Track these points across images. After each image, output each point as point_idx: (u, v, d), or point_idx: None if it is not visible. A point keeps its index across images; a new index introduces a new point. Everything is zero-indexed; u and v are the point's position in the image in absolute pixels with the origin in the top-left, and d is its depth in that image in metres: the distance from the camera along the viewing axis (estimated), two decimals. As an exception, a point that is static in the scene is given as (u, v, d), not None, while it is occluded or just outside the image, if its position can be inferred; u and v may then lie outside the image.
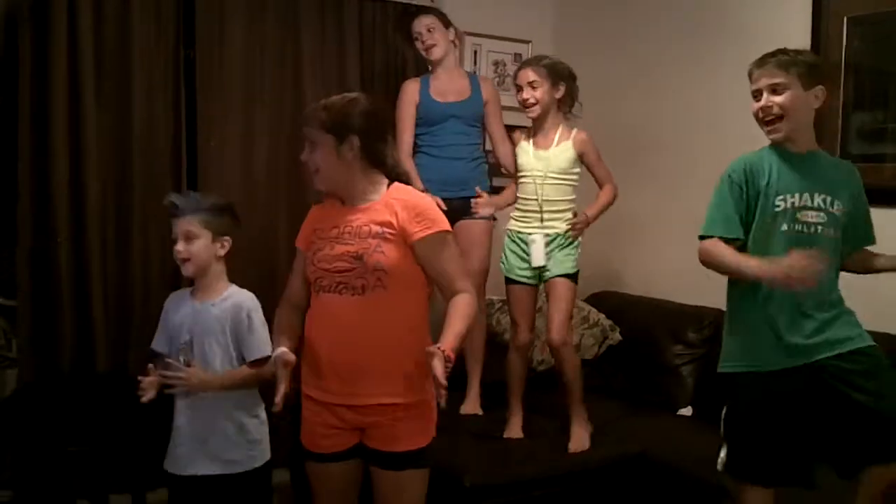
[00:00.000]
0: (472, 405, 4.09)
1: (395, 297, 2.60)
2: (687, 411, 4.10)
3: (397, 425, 2.63)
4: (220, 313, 2.97)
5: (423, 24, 4.18)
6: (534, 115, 3.75)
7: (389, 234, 2.59)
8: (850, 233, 2.84)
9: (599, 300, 4.53)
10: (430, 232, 2.61)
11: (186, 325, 2.98)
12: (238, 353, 2.96)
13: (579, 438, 3.67)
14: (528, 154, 3.78)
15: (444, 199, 3.77)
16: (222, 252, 3.02)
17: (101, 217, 3.86)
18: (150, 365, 2.93)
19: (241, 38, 4.16)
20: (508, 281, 3.85)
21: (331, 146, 2.60)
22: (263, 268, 4.14)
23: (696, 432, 3.75)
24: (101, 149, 3.84)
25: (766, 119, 2.77)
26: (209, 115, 4.12)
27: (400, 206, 2.62)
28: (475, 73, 4.68)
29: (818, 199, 2.76)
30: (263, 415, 3.05)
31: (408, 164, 4.03)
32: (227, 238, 3.02)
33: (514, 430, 3.79)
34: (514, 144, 3.87)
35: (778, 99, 2.73)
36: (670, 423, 3.99)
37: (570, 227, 3.71)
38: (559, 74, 3.72)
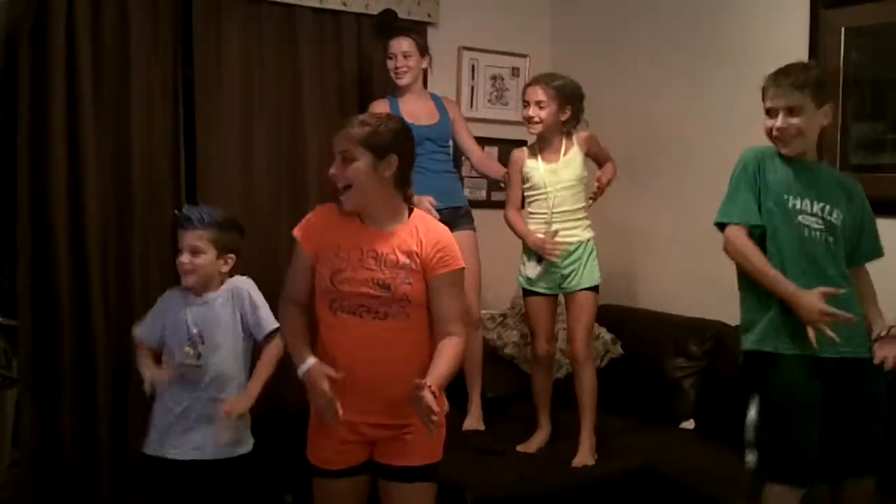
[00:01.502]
0: (473, 420, 4.09)
1: (414, 323, 2.64)
2: (689, 424, 4.08)
3: (409, 441, 2.66)
4: (223, 302, 3.10)
5: (400, 47, 4.14)
6: (535, 132, 3.77)
7: (414, 265, 2.61)
8: (856, 246, 2.89)
9: (600, 313, 4.47)
10: (448, 270, 2.64)
11: (191, 320, 3.08)
12: (246, 333, 3.12)
13: (585, 453, 3.66)
14: (539, 171, 3.78)
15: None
16: (226, 269, 3.10)
17: (101, 235, 3.85)
18: (164, 358, 3.14)
19: (239, 55, 4.16)
20: (527, 293, 3.86)
21: (368, 163, 2.58)
22: (264, 280, 4.12)
23: (699, 446, 3.75)
24: (100, 167, 3.84)
25: (781, 138, 2.83)
26: (208, 132, 4.11)
27: (424, 236, 2.64)
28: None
29: (817, 207, 2.81)
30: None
31: None
32: (231, 255, 3.08)
33: (533, 444, 3.80)
34: (520, 164, 3.84)
35: (795, 121, 2.79)
36: (673, 436, 3.97)
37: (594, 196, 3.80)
38: (568, 97, 3.74)
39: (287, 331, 2.78)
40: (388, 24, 4.27)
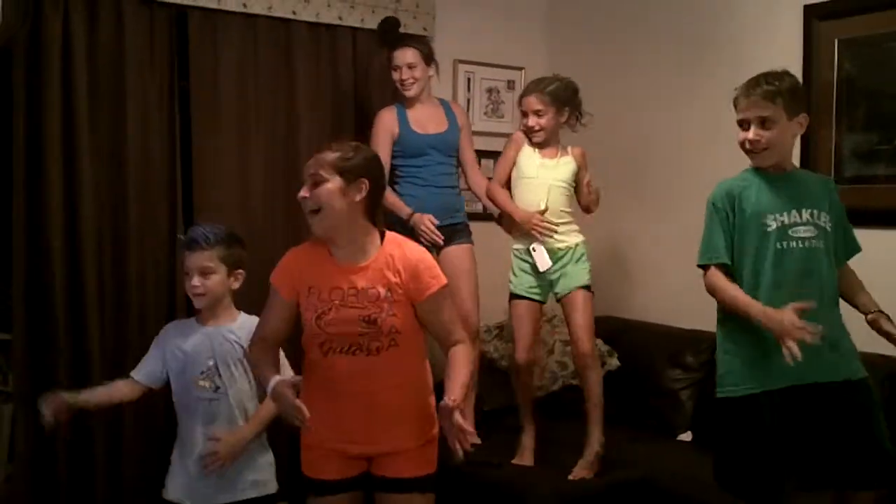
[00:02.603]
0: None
1: (405, 352, 2.67)
2: (686, 436, 4.07)
3: (405, 456, 2.71)
4: (240, 337, 2.99)
5: (405, 58, 4.11)
6: (539, 140, 3.80)
7: (396, 296, 2.62)
8: (836, 244, 2.88)
9: (596, 325, 4.50)
10: (431, 291, 2.65)
11: (206, 351, 3.00)
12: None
13: (585, 465, 3.64)
14: (533, 160, 3.80)
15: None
16: (236, 285, 3.07)
17: (97, 249, 3.85)
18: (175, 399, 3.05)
19: (235, 68, 4.16)
20: (514, 297, 3.85)
21: (338, 186, 2.59)
22: (259, 294, 4.11)
23: (697, 457, 3.72)
24: (96, 180, 3.84)
25: (753, 150, 2.82)
26: (204, 145, 4.11)
27: (400, 264, 2.65)
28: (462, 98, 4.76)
29: (806, 214, 2.81)
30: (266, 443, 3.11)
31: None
32: (240, 271, 3.05)
33: (526, 454, 3.81)
34: (518, 145, 3.84)
35: (766, 133, 2.77)
36: (670, 448, 3.96)
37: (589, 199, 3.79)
38: (563, 99, 3.77)
39: (252, 362, 2.79)
40: (391, 33, 4.27)
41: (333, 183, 2.59)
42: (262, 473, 3.07)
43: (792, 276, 2.79)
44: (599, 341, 4.42)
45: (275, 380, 2.59)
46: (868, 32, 3.74)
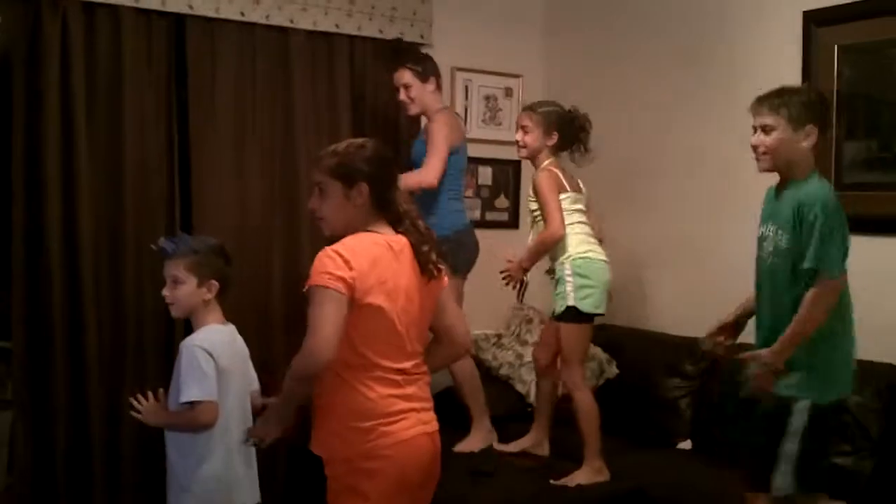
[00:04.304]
0: (469, 443, 4.07)
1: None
2: (686, 444, 4.06)
3: None
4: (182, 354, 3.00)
5: (400, 79, 4.14)
6: (521, 156, 3.91)
7: None
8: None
9: (595, 334, 4.49)
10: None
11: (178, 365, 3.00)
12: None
13: (579, 473, 3.65)
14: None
15: None
16: (209, 296, 3.03)
17: (95, 258, 3.84)
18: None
19: (232, 77, 4.16)
20: None
21: (339, 192, 2.59)
22: (259, 304, 4.14)
23: (696, 466, 3.72)
24: (94, 190, 3.83)
25: (755, 155, 2.95)
26: (201, 154, 4.10)
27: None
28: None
29: (770, 231, 2.93)
30: None
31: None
32: (213, 282, 3.01)
33: (513, 445, 3.93)
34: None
35: (766, 139, 2.91)
36: (669, 456, 3.95)
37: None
38: (553, 123, 3.81)
39: None
40: (393, 54, 4.30)
41: (334, 190, 2.59)
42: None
43: (759, 289, 2.99)
44: (598, 350, 4.43)
45: None
46: (868, 39, 3.72)
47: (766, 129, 2.89)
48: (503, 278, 3.83)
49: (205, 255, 3.02)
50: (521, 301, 4.06)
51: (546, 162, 3.82)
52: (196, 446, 2.96)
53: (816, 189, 2.86)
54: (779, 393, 2.85)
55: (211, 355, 2.93)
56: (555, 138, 3.80)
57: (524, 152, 3.85)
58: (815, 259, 2.76)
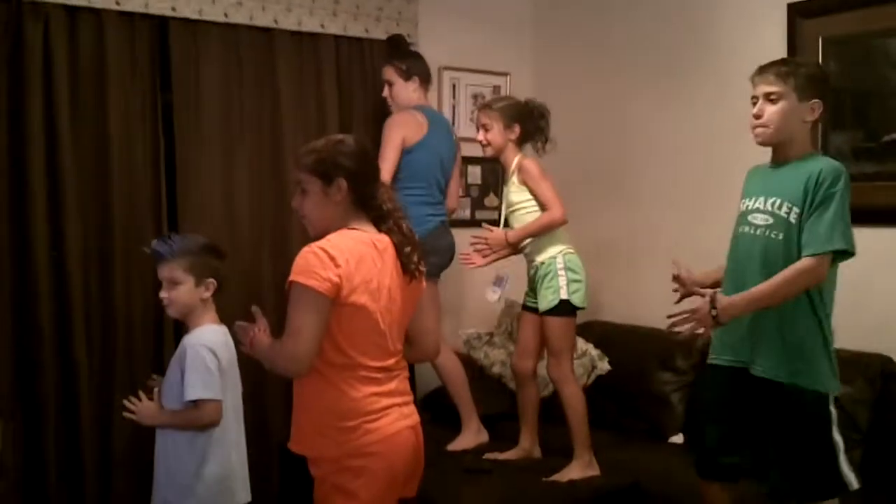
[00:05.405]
0: (460, 441, 4.07)
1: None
2: (678, 439, 4.06)
3: None
4: (176, 357, 3.01)
5: (384, 76, 4.19)
6: (487, 154, 3.87)
7: None
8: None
9: (587, 329, 4.51)
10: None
11: (175, 363, 3.00)
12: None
13: (570, 469, 3.65)
14: (505, 190, 3.89)
15: None
16: (207, 294, 3.03)
17: (82, 263, 3.83)
18: None
19: (218, 79, 4.14)
20: (522, 306, 3.96)
21: (318, 189, 2.56)
22: (247, 305, 4.09)
23: (689, 460, 3.71)
24: (80, 195, 3.82)
25: (755, 125, 2.80)
26: (188, 157, 4.09)
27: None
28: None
29: (768, 203, 2.80)
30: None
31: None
32: (211, 280, 3.02)
33: (502, 455, 3.86)
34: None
35: (771, 108, 2.76)
36: (662, 451, 3.95)
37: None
38: (512, 116, 3.79)
39: None
40: (389, 51, 4.31)
41: (314, 187, 2.56)
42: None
43: (735, 265, 2.84)
44: (590, 345, 4.42)
45: None
46: (853, 30, 3.74)
47: (771, 98, 2.76)
48: (475, 250, 3.77)
49: (200, 254, 3.02)
50: (499, 300, 4.08)
51: (519, 154, 3.81)
52: (196, 447, 2.95)
53: (834, 163, 2.76)
54: (802, 385, 2.76)
55: (215, 354, 2.95)
56: (517, 131, 3.79)
57: (490, 150, 3.82)
58: (830, 230, 2.66)
